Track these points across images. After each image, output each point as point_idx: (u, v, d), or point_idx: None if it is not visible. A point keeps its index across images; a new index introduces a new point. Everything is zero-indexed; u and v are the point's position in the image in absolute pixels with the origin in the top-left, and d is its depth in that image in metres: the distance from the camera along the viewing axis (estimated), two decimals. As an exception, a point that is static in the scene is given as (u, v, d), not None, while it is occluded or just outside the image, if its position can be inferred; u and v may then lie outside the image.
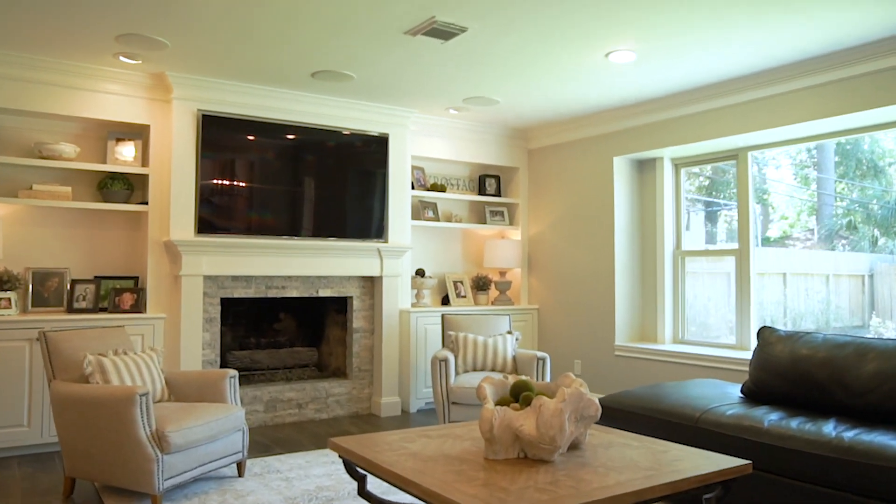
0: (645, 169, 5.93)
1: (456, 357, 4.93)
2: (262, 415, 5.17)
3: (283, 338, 5.84)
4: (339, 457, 2.67)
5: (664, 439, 2.97)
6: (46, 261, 4.75)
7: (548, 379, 4.87)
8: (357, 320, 5.64)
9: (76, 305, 4.66)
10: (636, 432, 3.10)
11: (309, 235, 5.28)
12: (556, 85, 4.96)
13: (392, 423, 5.34)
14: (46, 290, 4.67)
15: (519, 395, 2.56)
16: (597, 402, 2.51)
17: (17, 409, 4.26)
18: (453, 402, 4.66)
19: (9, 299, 4.41)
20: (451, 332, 5.09)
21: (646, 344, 5.63)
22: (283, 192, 5.20)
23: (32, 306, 4.62)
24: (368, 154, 5.59)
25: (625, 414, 3.50)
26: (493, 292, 6.56)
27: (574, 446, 2.58)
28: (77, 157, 4.72)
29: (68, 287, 4.70)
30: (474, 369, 4.98)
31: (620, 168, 5.86)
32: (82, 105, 4.62)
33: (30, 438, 4.29)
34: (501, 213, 6.67)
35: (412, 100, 5.44)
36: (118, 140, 4.86)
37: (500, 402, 2.56)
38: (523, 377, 2.70)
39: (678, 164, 5.77)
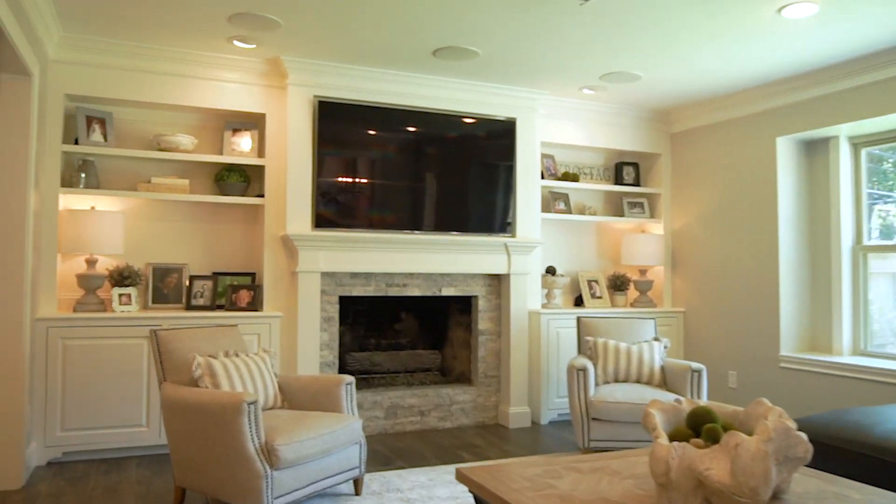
0: (815, 151, 5.07)
1: (595, 365, 4.35)
2: (383, 422, 4.82)
3: (404, 339, 5.48)
4: (469, 491, 2.20)
5: (886, 487, 2.28)
6: (166, 256, 4.63)
7: (704, 395, 4.19)
8: (483, 321, 5.18)
9: (194, 302, 4.50)
10: (842, 474, 2.43)
11: (431, 229, 4.88)
12: (710, 52, 4.26)
13: (522, 435, 4.84)
14: (166, 287, 4.54)
15: (700, 428, 1.98)
16: (806, 439, 1.89)
17: (136, 409, 4.13)
18: (594, 418, 4.08)
19: (129, 295, 4.29)
20: (589, 338, 4.51)
21: (819, 355, 4.79)
22: (403, 182, 4.82)
23: (152, 303, 4.50)
24: (494, 140, 5.12)
25: (824, 447, 2.79)
26: (633, 293, 5.90)
27: (774, 496, 1.97)
28: (194, 149, 4.56)
29: (187, 283, 4.55)
30: (616, 380, 4.38)
31: (785, 150, 5.05)
32: (199, 95, 4.45)
33: (148, 439, 4.15)
34: (641, 205, 5.99)
35: (542, 79, 4.91)
36: (235, 131, 4.67)
37: (674, 436, 2.00)
38: (702, 402, 2.11)
39: (858, 144, 4.87)
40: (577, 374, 4.16)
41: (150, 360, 4.16)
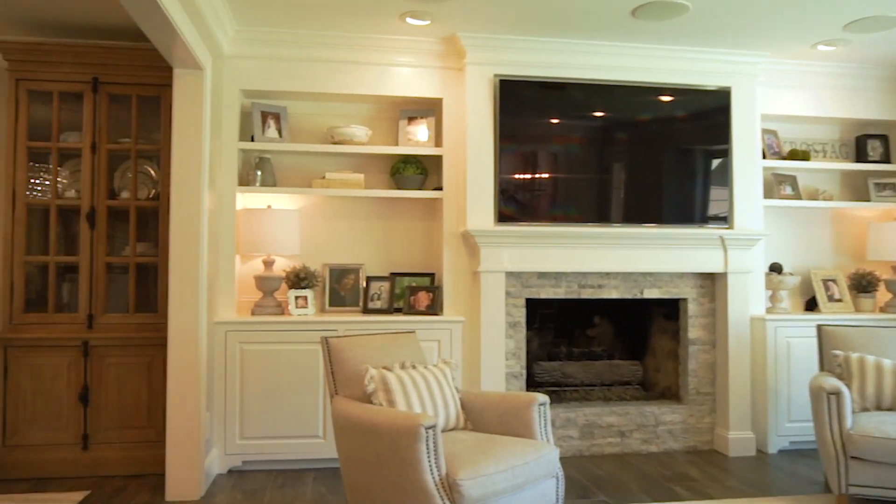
0: None
1: (849, 388, 3.44)
2: (577, 442, 4.22)
3: (599, 347, 4.84)
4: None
5: None
6: (342, 256, 4.37)
7: None
8: (693, 329, 4.40)
9: (371, 305, 4.19)
10: None
11: (633, 221, 4.20)
12: None
13: (746, 467, 4.00)
14: (343, 288, 4.28)
15: None
16: None
17: (312, 419, 3.88)
18: (853, 457, 3.19)
19: (305, 298, 4.07)
20: (837, 352, 3.60)
21: None
22: (594, 168, 4.19)
23: (329, 305, 4.25)
24: (704, 113, 4.32)
25: None
26: (883, 294, 4.79)
27: None
28: (369, 141, 4.26)
29: (363, 285, 4.26)
30: (878, 407, 3.44)
31: None
32: (373, 82, 4.13)
33: (325, 451, 3.89)
34: (892, 186, 4.86)
35: (765, 37, 4.05)
36: (410, 119, 4.30)
37: None
38: None
39: None
40: (827, 399, 3.29)
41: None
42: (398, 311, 4.23)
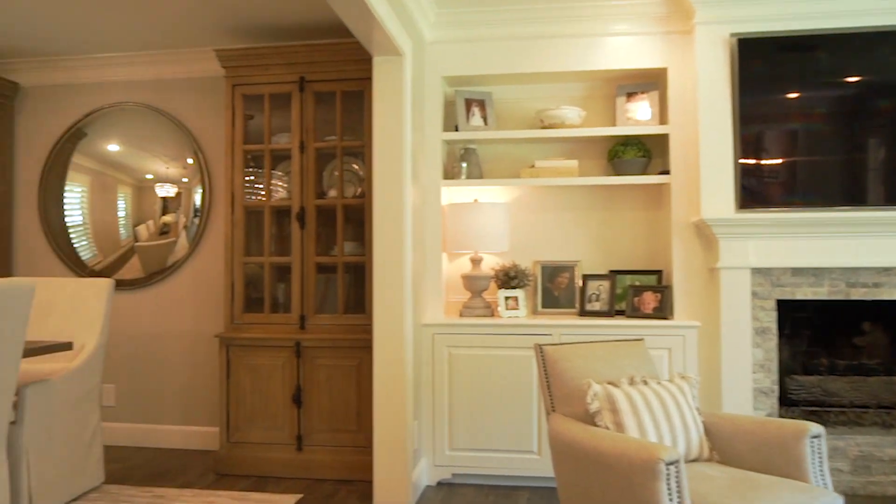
0: None
1: None
2: (847, 477, 3.42)
3: (872, 360, 3.93)
4: None
5: None
6: (555, 252, 3.97)
7: None
8: None
9: (588, 307, 3.74)
10: None
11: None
12: None
13: None
14: (556, 288, 3.88)
15: None
16: None
17: (526, 432, 3.52)
18: None
19: (516, 298, 3.73)
20: None
21: None
22: (860, 142, 3.36)
23: (542, 307, 3.87)
24: None
25: None
26: None
27: None
28: (582, 123, 3.80)
29: (579, 284, 3.82)
30: None
31: None
32: (585, 56, 3.67)
33: (541, 469, 3.51)
34: None
35: None
36: (629, 96, 3.78)
37: None
38: None
39: None
40: None
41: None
42: (620, 313, 3.73)
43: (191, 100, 4.39)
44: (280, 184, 4.01)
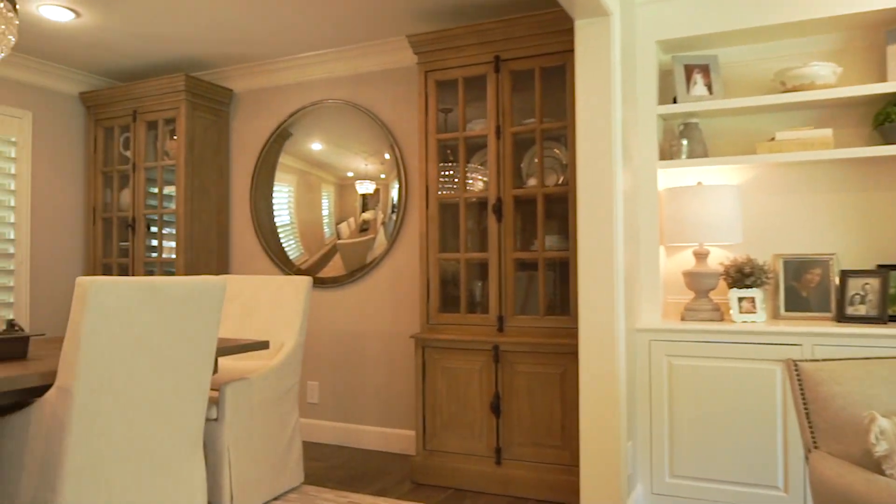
0: None
1: None
2: None
3: None
4: None
5: None
6: (801, 244, 3.26)
7: None
8: None
9: (850, 311, 3.00)
10: None
11: None
12: None
13: None
14: (804, 287, 3.17)
15: None
16: None
17: (768, 463, 2.89)
18: None
19: (752, 300, 3.10)
20: None
21: None
22: None
23: (785, 310, 3.19)
24: None
25: None
26: None
27: None
28: (837, 82, 3.07)
29: (836, 282, 3.09)
30: None
31: None
32: (843, -2, 2.94)
33: (787, 508, 2.86)
34: None
35: None
36: (905, 42, 2.97)
37: None
38: None
39: None
40: None
41: (785, 395, 2.87)
42: (894, 319, 2.95)
43: (386, 93, 4.28)
44: (477, 176, 3.73)
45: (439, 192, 3.67)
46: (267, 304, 3.60)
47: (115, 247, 4.71)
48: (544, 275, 3.39)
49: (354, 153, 4.39)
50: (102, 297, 2.05)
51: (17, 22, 2.44)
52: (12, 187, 4.39)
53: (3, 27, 2.36)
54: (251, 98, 4.72)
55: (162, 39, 4.10)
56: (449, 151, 3.80)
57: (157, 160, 4.57)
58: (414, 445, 4.06)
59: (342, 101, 4.42)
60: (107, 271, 4.75)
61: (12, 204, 4.39)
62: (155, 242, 4.65)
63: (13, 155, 4.40)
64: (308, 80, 4.52)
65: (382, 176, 4.30)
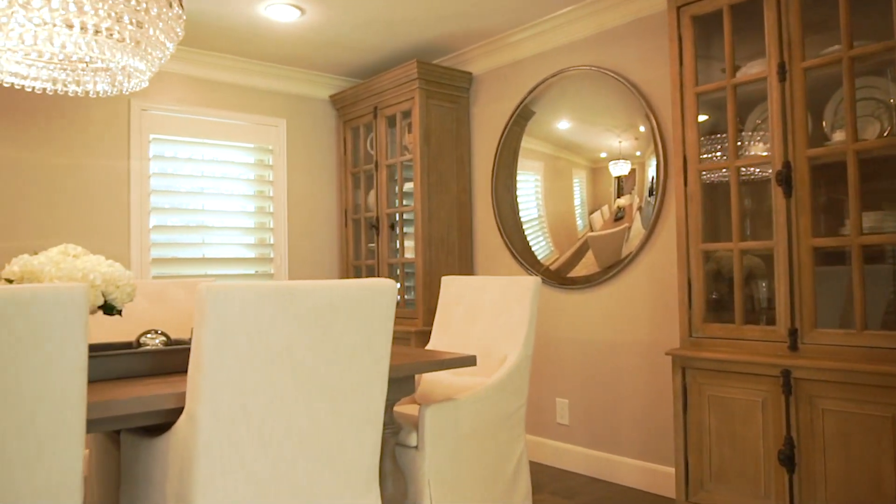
0: None
1: None
2: None
3: None
4: None
5: None
6: None
7: None
8: None
9: None
10: None
11: None
12: None
13: None
14: None
15: None
16: None
17: None
18: None
19: None
20: None
21: None
22: None
23: None
24: None
25: None
26: None
27: None
28: None
29: None
30: None
31: None
32: None
33: None
34: None
35: None
36: None
37: None
38: None
39: None
40: None
41: None
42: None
43: (637, 49, 3.48)
44: (755, 138, 2.77)
45: (704, 164, 2.78)
46: (489, 309, 3.07)
47: (364, 248, 4.61)
48: (861, 269, 2.32)
49: (605, 129, 3.66)
50: (222, 306, 1.69)
51: (184, 17, 2.25)
52: (270, 194, 4.52)
53: (166, 23, 2.18)
54: (490, 79, 4.26)
55: (391, 26, 3.83)
56: (713, 109, 2.89)
57: (397, 156, 4.35)
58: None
59: (586, 67, 3.72)
60: (357, 274, 4.67)
61: (271, 210, 4.51)
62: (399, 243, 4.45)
63: (270, 162, 4.53)
64: (548, 50, 3.91)
65: (638, 153, 3.51)
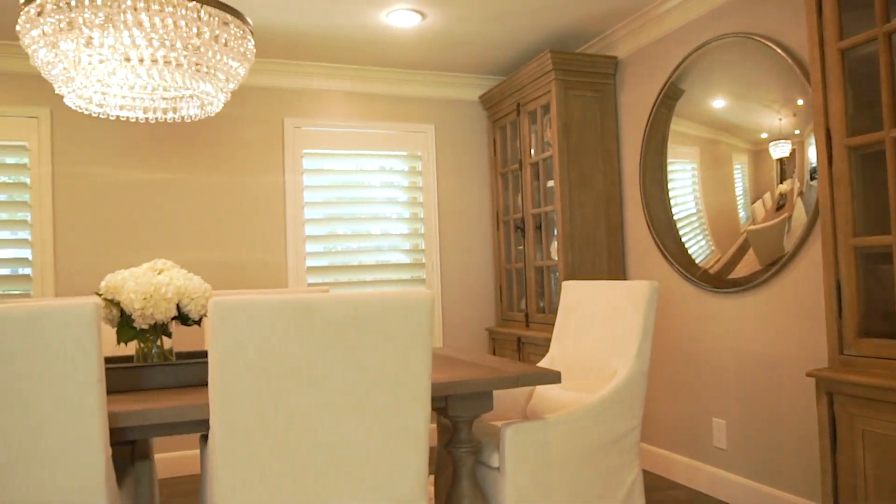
0: None
1: None
2: None
3: None
4: None
5: None
6: None
7: None
8: None
9: None
10: None
11: None
12: None
13: None
14: None
15: None
16: None
17: None
18: None
19: None
20: None
21: None
22: None
23: None
24: None
25: None
26: None
27: None
28: None
29: None
30: None
31: None
32: None
33: None
34: None
35: None
36: None
37: None
38: None
39: None
40: None
41: None
42: None
43: (791, 5, 2.92)
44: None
45: (852, 138, 2.23)
46: (601, 318, 2.76)
47: (514, 251, 4.46)
48: None
49: (763, 105, 3.14)
50: (231, 320, 1.69)
51: (249, 35, 2.32)
52: (421, 199, 4.55)
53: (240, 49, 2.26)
54: (637, 61, 3.87)
55: (520, 16, 3.64)
56: (862, 72, 2.30)
57: (539, 153, 4.13)
58: (857, 539, 2.60)
59: (734, 35, 3.21)
60: (508, 277, 4.53)
61: (421, 216, 4.54)
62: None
63: (419, 168, 4.56)
64: (692, 20, 3.45)
65: (797, 132, 2.96)
